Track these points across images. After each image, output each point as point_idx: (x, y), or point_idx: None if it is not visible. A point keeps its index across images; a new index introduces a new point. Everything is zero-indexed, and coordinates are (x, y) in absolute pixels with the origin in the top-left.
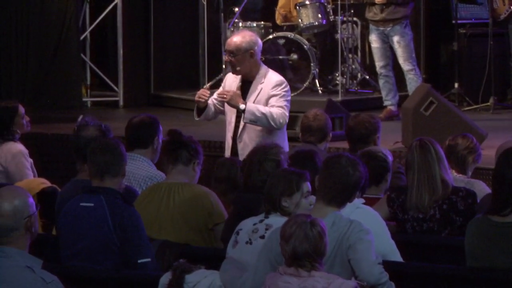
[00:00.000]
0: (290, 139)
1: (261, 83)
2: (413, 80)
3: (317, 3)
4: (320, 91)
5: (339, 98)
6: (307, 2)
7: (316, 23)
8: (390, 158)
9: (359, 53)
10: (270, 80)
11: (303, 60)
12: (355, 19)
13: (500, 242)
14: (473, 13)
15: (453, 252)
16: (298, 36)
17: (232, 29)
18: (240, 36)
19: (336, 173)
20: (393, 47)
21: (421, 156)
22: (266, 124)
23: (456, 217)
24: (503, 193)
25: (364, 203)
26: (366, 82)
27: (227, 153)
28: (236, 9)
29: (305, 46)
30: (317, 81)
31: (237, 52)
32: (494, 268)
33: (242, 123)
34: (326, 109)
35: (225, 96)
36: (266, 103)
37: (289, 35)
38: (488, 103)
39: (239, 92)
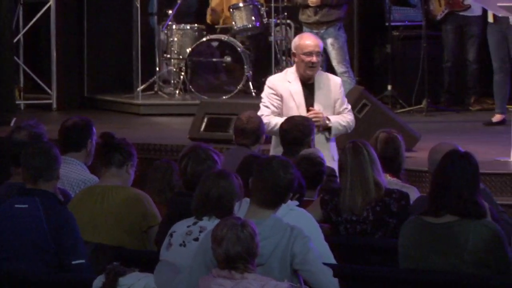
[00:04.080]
0: (223, 142)
1: (324, 85)
2: (346, 82)
3: (251, 6)
4: (253, 94)
5: None
6: (241, 5)
7: (250, 25)
8: (325, 160)
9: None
10: (335, 83)
11: (236, 62)
12: (288, 21)
13: (434, 243)
14: (407, 15)
15: (387, 254)
16: (231, 39)
17: (166, 31)
18: (316, 37)
19: (267, 176)
20: (326, 49)
21: (354, 158)
22: (344, 133)
23: (390, 219)
24: (443, 195)
25: (298, 205)
26: None
27: None
28: (170, 11)
29: (238, 49)
30: (250, 83)
31: (321, 52)
32: (428, 269)
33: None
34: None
35: (319, 119)
36: (334, 106)
37: (222, 38)
38: (422, 105)
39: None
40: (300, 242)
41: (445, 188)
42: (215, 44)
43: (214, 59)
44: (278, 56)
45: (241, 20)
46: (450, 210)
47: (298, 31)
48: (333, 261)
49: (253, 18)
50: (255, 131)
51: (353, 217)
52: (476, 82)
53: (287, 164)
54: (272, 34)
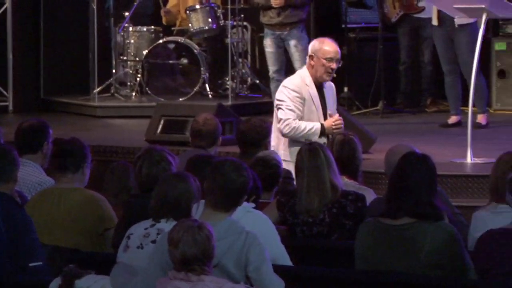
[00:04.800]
0: (180, 144)
1: (329, 90)
2: None
3: (207, 8)
4: (210, 96)
5: (229, 102)
6: (198, 7)
7: (206, 27)
8: (281, 162)
9: (249, 58)
10: (333, 88)
11: (193, 64)
12: (245, 23)
13: (391, 245)
14: (363, 17)
15: (343, 256)
16: (188, 41)
17: (122, 33)
18: (336, 44)
19: (220, 179)
20: (289, 51)
21: (310, 160)
22: None
23: (346, 221)
24: (400, 197)
25: (254, 207)
26: (256, 87)
27: None
28: (126, 13)
29: (195, 51)
30: (207, 85)
31: (340, 59)
32: (384, 270)
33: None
34: (216, 114)
35: (341, 125)
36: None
37: (179, 40)
38: (378, 107)
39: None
40: (256, 250)
41: (403, 190)
42: (171, 46)
43: (171, 61)
44: (235, 58)
45: (197, 22)
46: (408, 212)
47: (255, 33)
48: (289, 263)
49: (209, 20)
50: (212, 133)
51: (310, 219)
52: (432, 83)
53: (240, 167)
54: (229, 36)
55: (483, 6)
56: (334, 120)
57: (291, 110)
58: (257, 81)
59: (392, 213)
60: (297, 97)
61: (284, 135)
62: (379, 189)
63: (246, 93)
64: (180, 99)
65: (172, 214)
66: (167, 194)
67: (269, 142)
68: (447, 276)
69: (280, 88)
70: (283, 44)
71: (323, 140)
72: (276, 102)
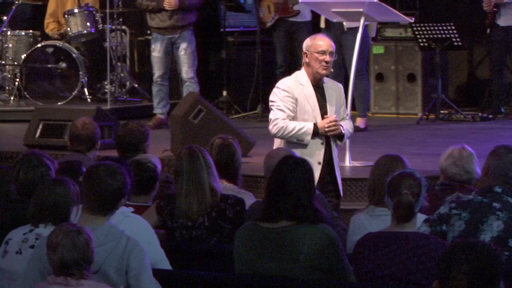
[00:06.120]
0: (59, 148)
1: (332, 90)
2: (192, 87)
3: (86, 11)
4: (89, 100)
5: (108, 106)
6: (76, 11)
7: (85, 31)
8: (159, 166)
9: (127, 62)
10: (340, 88)
11: (71, 68)
12: (124, 27)
13: (270, 248)
14: (242, 21)
15: (222, 259)
16: (66, 45)
17: (0, 37)
18: (328, 38)
19: (94, 183)
20: (177, 54)
21: (189, 164)
22: (346, 140)
23: (225, 224)
24: (279, 200)
25: (133, 212)
26: (135, 91)
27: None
28: (5, 18)
29: (73, 55)
30: (86, 89)
31: (334, 52)
32: (263, 274)
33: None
34: (95, 118)
35: (338, 127)
36: (339, 111)
37: (57, 44)
38: (257, 111)
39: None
40: (137, 257)
41: (281, 194)
42: (50, 50)
43: (49, 65)
44: (114, 62)
45: (76, 26)
46: (287, 216)
47: (134, 37)
48: (168, 267)
49: (88, 24)
50: (90, 137)
51: (189, 223)
52: None
53: (115, 170)
54: (108, 40)
55: (361, 10)
56: (328, 120)
57: (280, 110)
58: (136, 85)
59: (270, 216)
60: (288, 96)
61: (273, 135)
62: (259, 193)
63: (125, 97)
64: (59, 103)
65: (50, 219)
66: (45, 199)
67: (147, 146)
68: (326, 279)
69: (274, 89)
70: (172, 48)
71: (320, 141)
72: (269, 104)
